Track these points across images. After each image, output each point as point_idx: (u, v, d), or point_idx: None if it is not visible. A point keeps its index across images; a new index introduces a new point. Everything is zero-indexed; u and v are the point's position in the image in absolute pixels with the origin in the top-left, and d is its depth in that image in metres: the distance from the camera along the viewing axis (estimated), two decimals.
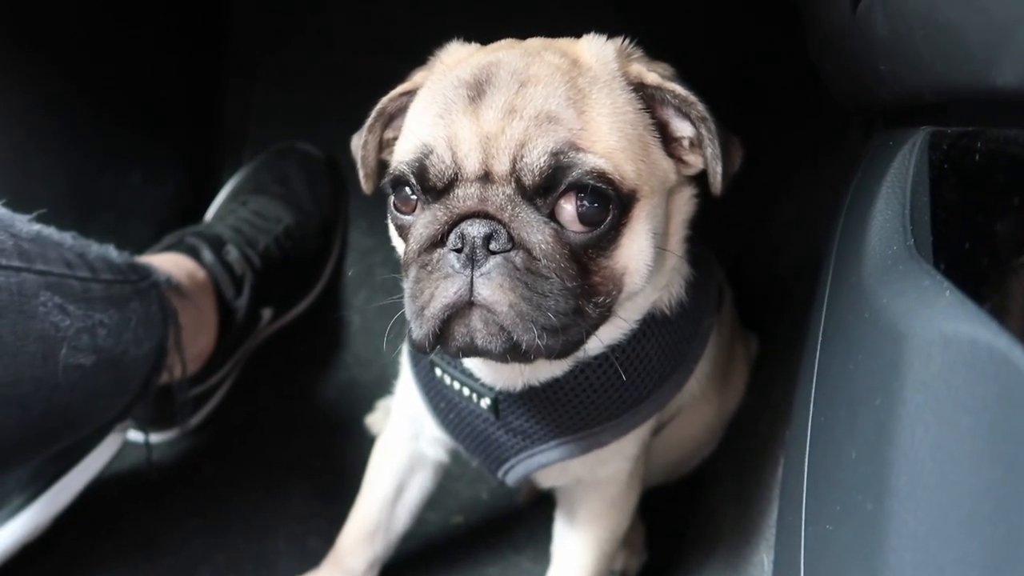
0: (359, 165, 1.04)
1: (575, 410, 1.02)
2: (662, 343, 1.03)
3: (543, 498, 1.53)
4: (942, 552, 0.52)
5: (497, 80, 0.84)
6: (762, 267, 1.64)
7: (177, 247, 1.53)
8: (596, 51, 0.91)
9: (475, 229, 0.81)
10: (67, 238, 1.11)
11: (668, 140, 0.93)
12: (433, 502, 1.35)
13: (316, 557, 1.32)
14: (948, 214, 0.71)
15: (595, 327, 0.87)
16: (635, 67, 0.90)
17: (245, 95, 1.96)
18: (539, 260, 0.81)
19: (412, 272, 0.85)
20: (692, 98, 0.89)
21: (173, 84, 1.82)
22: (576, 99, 0.84)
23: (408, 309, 0.85)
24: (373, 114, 1.00)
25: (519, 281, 0.80)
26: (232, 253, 1.56)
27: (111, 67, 1.65)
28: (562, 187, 0.81)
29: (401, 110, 0.99)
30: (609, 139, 0.84)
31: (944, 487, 0.53)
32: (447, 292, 0.81)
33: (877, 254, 0.72)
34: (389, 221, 0.95)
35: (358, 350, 1.82)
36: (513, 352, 0.82)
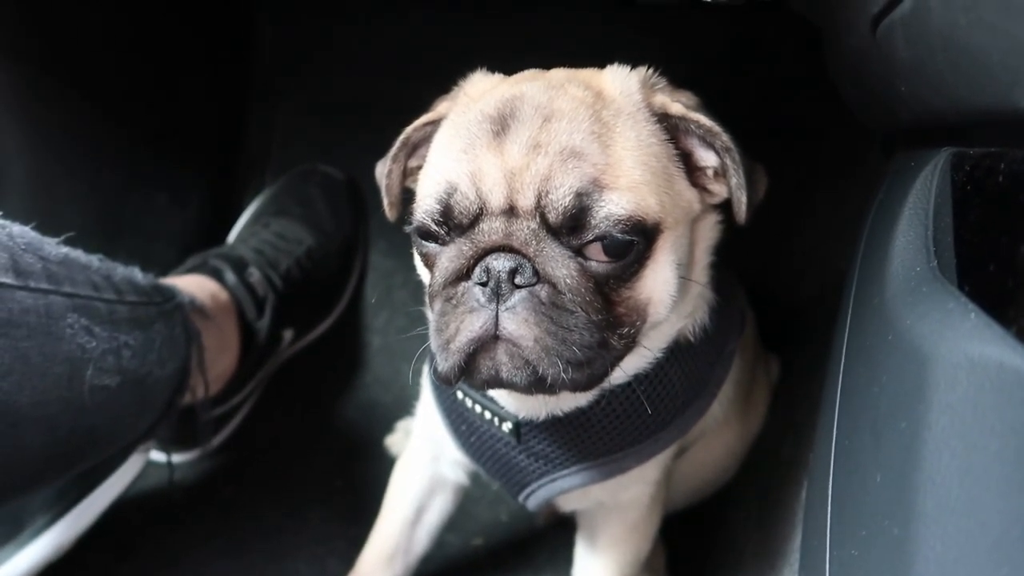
0: (383, 194, 1.04)
1: (598, 436, 1.01)
2: (685, 369, 1.02)
3: (563, 521, 1.52)
4: None
5: (521, 114, 0.84)
6: (784, 289, 1.63)
7: (200, 269, 1.55)
8: (620, 83, 0.90)
9: (500, 263, 0.81)
10: (93, 260, 1.13)
11: (692, 169, 0.92)
12: (453, 524, 1.34)
13: None
14: (972, 235, 0.70)
15: (620, 358, 0.87)
16: (659, 98, 0.90)
17: (268, 118, 1.98)
18: (564, 294, 0.81)
19: (437, 305, 0.85)
20: (716, 128, 0.88)
21: (197, 108, 1.84)
22: (600, 133, 0.83)
23: (434, 341, 0.86)
24: (397, 144, 1.00)
25: (544, 316, 0.80)
26: (254, 275, 1.57)
27: (136, 91, 1.68)
28: (588, 236, 0.81)
29: (425, 139, 0.99)
30: (633, 173, 0.83)
31: (971, 512, 0.52)
32: (473, 326, 0.81)
33: (900, 276, 0.72)
34: (414, 250, 0.95)
35: (378, 371, 1.82)
36: (538, 385, 0.82)
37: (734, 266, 1.15)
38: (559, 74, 0.93)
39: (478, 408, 1.05)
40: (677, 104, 0.90)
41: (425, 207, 0.86)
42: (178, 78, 1.78)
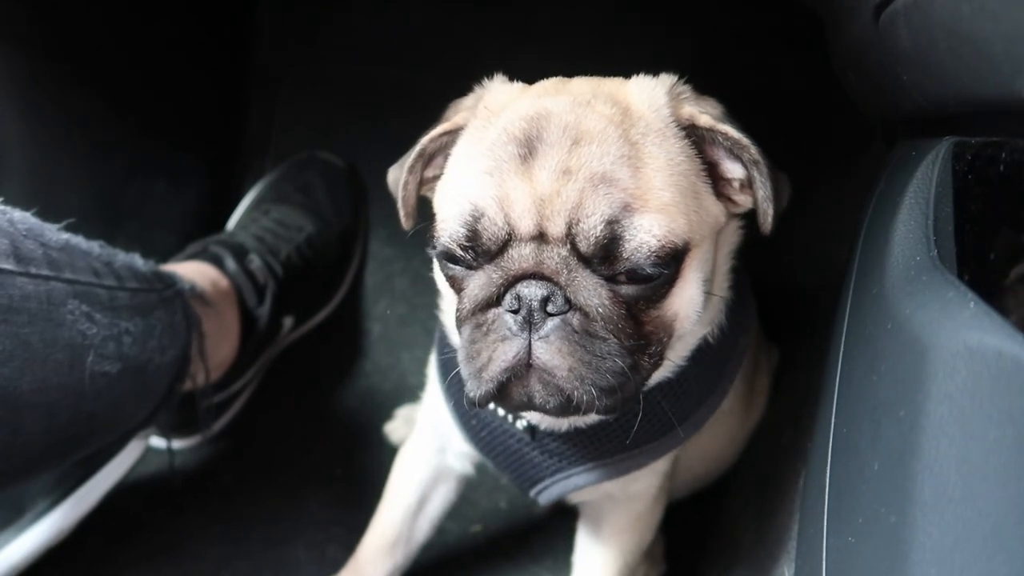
0: (399, 204, 1.00)
1: (615, 436, 1.01)
2: (701, 369, 1.02)
3: (562, 508, 1.53)
4: (967, 566, 0.52)
5: (549, 137, 0.81)
6: (784, 277, 1.64)
7: (201, 256, 1.55)
8: (647, 97, 0.88)
9: (532, 291, 0.80)
10: (94, 247, 1.13)
11: (717, 180, 0.91)
12: (452, 511, 1.35)
13: (335, 565, 1.32)
14: (972, 225, 0.70)
15: (648, 377, 0.87)
16: (686, 109, 0.88)
17: (268, 105, 1.98)
18: (596, 322, 0.80)
19: (466, 331, 0.84)
20: (745, 141, 0.87)
21: (197, 94, 1.84)
22: (630, 155, 0.81)
23: (465, 368, 0.84)
24: (413, 155, 0.97)
25: (577, 344, 0.79)
26: (255, 262, 1.57)
27: (137, 78, 1.67)
28: (620, 267, 0.80)
29: (441, 149, 0.96)
30: (663, 195, 0.82)
31: (969, 500, 0.52)
32: (506, 355, 0.80)
33: (900, 265, 0.72)
34: (436, 269, 0.93)
35: (378, 358, 1.83)
36: (570, 410, 0.82)
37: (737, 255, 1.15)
38: (583, 87, 0.90)
39: (491, 405, 1.05)
40: (705, 116, 0.88)
41: (450, 231, 0.84)
42: (178, 64, 1.77)
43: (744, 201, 0.91)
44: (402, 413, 1.70)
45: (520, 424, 1.03)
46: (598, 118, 0.83)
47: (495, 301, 0.82)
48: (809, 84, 1.59)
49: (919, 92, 0.82)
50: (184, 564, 1.41)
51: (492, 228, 0.81)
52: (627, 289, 0.81)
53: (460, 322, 0.86)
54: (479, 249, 0.83)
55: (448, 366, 1.11)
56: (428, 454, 1.27)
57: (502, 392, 0.82)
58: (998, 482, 0.50)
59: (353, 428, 1.73)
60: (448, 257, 0.86)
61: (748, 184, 0.90)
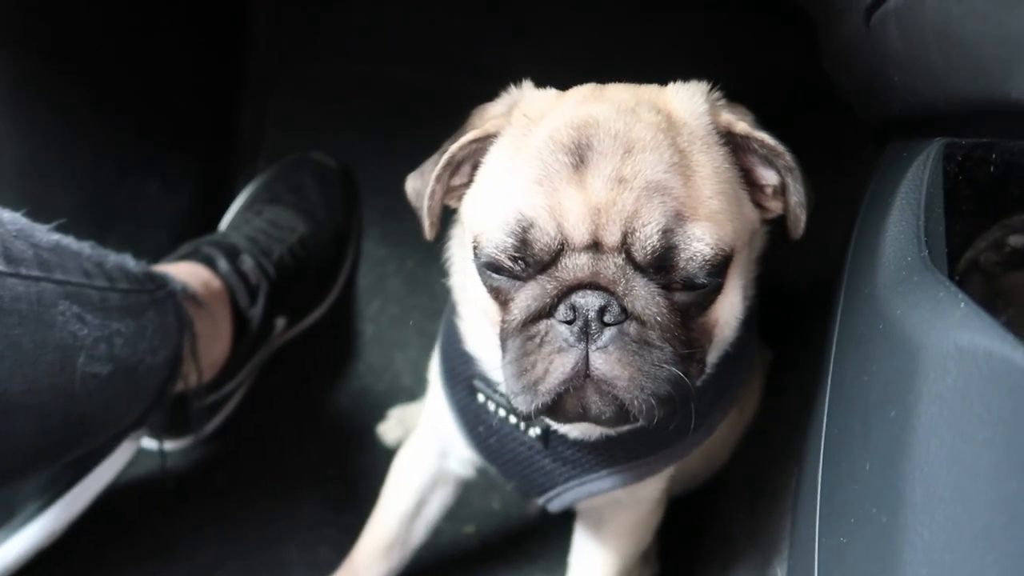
0: (423, 214, 0.96)
1: (633, 443, 1.00)
2: (719, 372, 1.02)
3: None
4: (958, 565, 0.52)
5: (600, 145, 0.80)
6: (776, 278, 1.64)
7: (193, 256, 1.54)
8: (688, 104, 0.88)
9: (589, 301, 0.78)
10: (85, 248, 1.12)
11: (751, 186, 0.91)
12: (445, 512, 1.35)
13: (328, 566, 1.32)
14: (963, 225, 0.71)
15: (695, 384, 0.86)
16: (724, 116, 0.88)
17: (261, 105, 1.97)
18: (652, 330, 0.79)
19: (515, 343, 0.82)
20: (780, 148, 0.87)
21: (190, 94, 1.83)
22: (680, 164, 0.81)
23: (514, 382, 0.83)
24: (441, 163, 0.92)
25: (635, 354, 0.78)
26: (247, 262, 1.57)
27: (129, 77, 1.67)
28: (675, 276, 0.80)
29: (470, 156, 0.94)
30: (712, 203, 0.81)
31: (959, 500, 0.52)
32: (564, 368, 0.79)
33: (891, 265, 0.72)
34: (462, 282, 0.91)
35: (371, 359, 1.83)
36: (624, 420, 0.81)
37: None
38: (623, 95, 0.89)
39: (502, 412, 1.03)
40: (742, 123, 0.88)
41: (496, 241, 0.82)
42: (171, 65, 1.76)
43: (775, 207, 0.91)
44: (395, 414, 1.70)
45: (533, 432, 1.01)
46: (646, 126, 0.82)
47: (547, 312, 0.80)
48: (801, 85, 1.59)
49: (910, 93, 0.82)
50: (177, 565, 1.40)
51: (544, 238, 0.80)
52: (681, 296, 0.81)
53: (507, 335, 0.84)
54: (529, 259, 0.81)
55: (452, 371, 1.10)
56: (428, 458, 1.26)
57: (556, 404, 0.81)
58: (988, 482, 0.51)
59: (346, 429, 1.72)
60: (493, 268, 0.84)
61: (780, 191, 0.90)
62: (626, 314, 0.78)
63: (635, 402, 0.79)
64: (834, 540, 0.72)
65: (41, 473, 1.27)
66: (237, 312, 1.52)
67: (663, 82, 0.93)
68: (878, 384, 0.66)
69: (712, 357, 0.97)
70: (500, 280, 0.84)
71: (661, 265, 0.79)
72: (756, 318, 1.13)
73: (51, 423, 1.03)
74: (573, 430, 1.00)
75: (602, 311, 0.78)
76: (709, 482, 1.46)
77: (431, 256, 1.90)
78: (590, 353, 0.78)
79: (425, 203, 0.95)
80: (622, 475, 1.02)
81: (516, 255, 0.81)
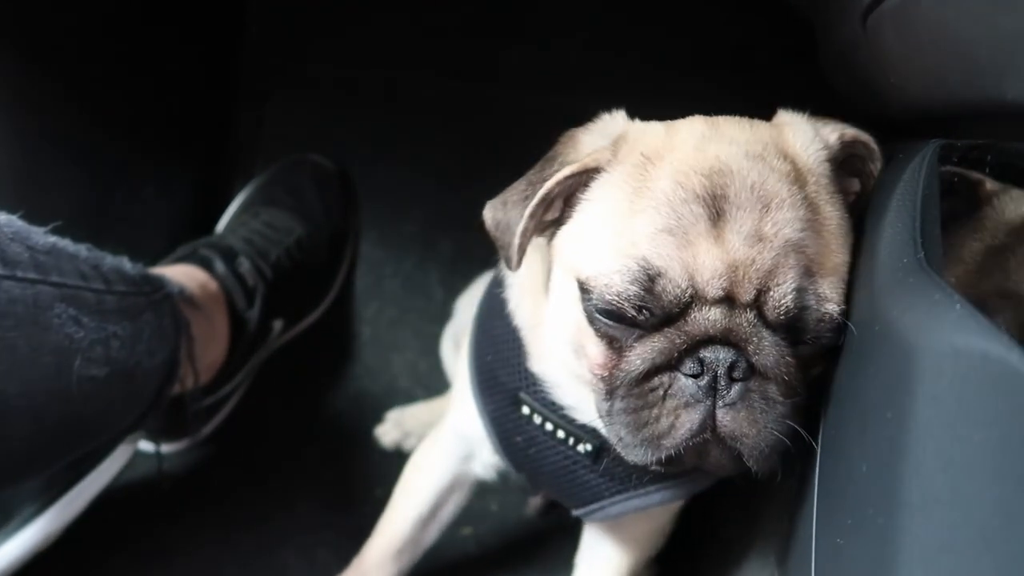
0: (512, 251, 0.88)
1: None
2: None
3: (552, 509, 1.53)
4: (954, 567, 0.52)
5: (738, 199, 0.78)
6: None
7: (190, 259, 1.54)
8: (811, 149, 0.85)
9: (720, 356, 0.77)
10: (82, 250, 1.12)
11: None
12: None
13: (326, 568, 1.32)
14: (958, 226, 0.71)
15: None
16: (832, 139, 0.86)
17: (258, 107, 1.97)
18: (776, 386, 0.78)
19: (629, 393, 0.81)
20: (879, 153, 0.86)
21: (187, 96, 1.83)
22: (812, 219, 0.79)
23: (629, 434, 0.81)
24: (537, 198, 0.86)
25: (761, 412, 0.78)
26: (244, 265, 1.57)
27: (126, 80, 1.66)
28: (804, 339, 0.79)
29: (565, 191, 0.89)
30: (837, 257, 0.80)
31: (955, 502, 0.52)
32: (691, 423, 0.78)
33: (887, 267, 0.72)
34: (574, 318, 0.87)
35: (368, 361, 1.82)
36: (740, 468, 0.81)
37: None
38: (744, 134, 0.84)
39: (549, 426, 1.01)
40: (849, 130, 0.86)
41: (618, 288, 0.79)
42: (168, 67, 1.76)
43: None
44: (392, 416, 1.70)
45: (583, 448, 1.00)
46: (778, 177, 0.80)
47: (671, 365, 0.79)
48: (798, 86, 1.59)
49: (906, 94, 0.82)
50: (173, 569, 1.40)
51: (675, 291, 0.77)
52: (805, 350, 0.80)
53: (618, 383, 0.82)
54: (656, 310, 0.78)
55: (491, 380, 1.08)
56: (449, 462, 1.24)
57: (675, 457, 0.80)
58: (984, 484, 0.51)
59: (343, 431, 1.72)
60: (610, 315, 0.81)
61: (857, 196, 0.88)
62: (752, 370, 0.78)
63: (754, 456, 0.79)
64: (830, 541, 0.72)
65: (38, 476, 1.27)
66: (234, 314, 1.52)
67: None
68: (874, 386, 0.66)
69: None
70: (615, 328, 0.82)
71: (792, 325, 0.78)
72: None
73: (47, 426, 1.03)
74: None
75: (731, 367, 0.77)
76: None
77: (428, 258, 1.92)
78: (717, 409, 0.78)
79: (516, 240, 0.88)
80: (671, 491, 1.01)
81: (640, 304, 0.78)
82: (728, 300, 0.77)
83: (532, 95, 1.71)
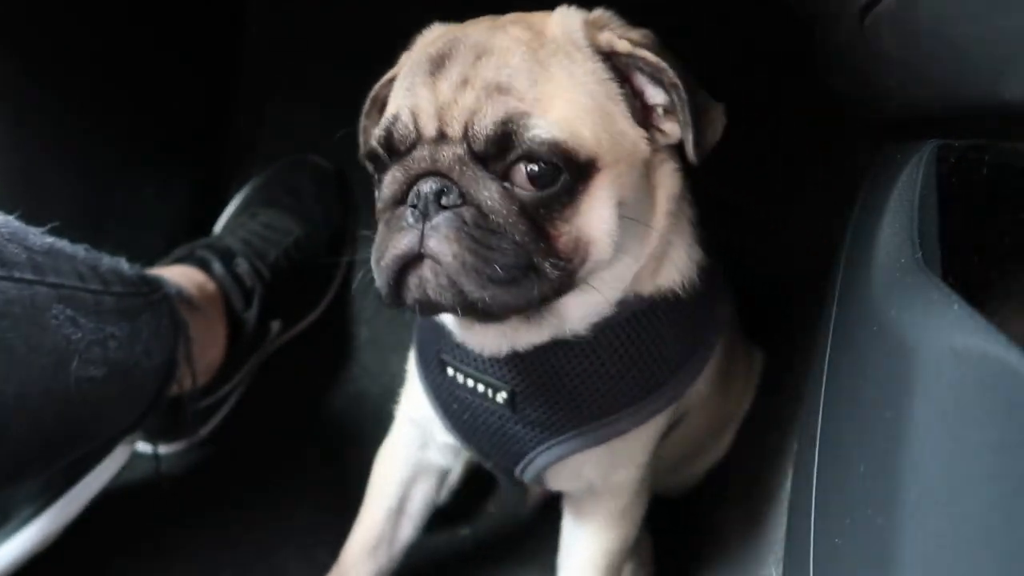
0: (361, 147, 1.09)
1: (591, 397, 1.02)
2: (676, 326, 1.03)
3: (549, 510, 1.53)
4: (952, 566, 0.52)
5: (456, 54, 0.89)
6: (770, 280, 1.64)
7: (187, 259, 1.54)
8: (562, 22, 0.93)
9: (427, 186, 0.86)
10: (79, 251, 1.12)
11: (647, 109, 0.94)
12: (439, 515, 1.35)
13: (325, 569, 1.32)
14: (956, 227, 0.71)
15: (556, 289, 0.89)
16: (605, 35, 0.92)
17: (257, 108, 1.97)
18: (488, 216, 0.85)
19: (379, 230, 0.90)
20: (663, 64, 0.89)
21: (185, 97, 1.83)
22: (531, 70, 0.87)
23: (376, 266, 0.90)
24: (368, 102, 1.11)
25: (466, 234, 0.84)
26: (242, 265, 1.57)
27: (124, 81, 1.66)
28: (512, 157, 0.85)
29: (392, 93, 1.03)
30: (564, 109, 0.86)
31: (954, 501, 0.53)
32: (400, 244, 0.86)
33: (885, 267, 0.72)
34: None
35: (366, 362, 1.82)
36: (467, 306, 0.85)
37: (722, 256, 1.16)
38: (508, 16, 0.97)
39: (470, 382, 1.06)
40: (623, 41, 0.91)
41: (375, 135, 0.93)
42: (166, 67, 1.76)
43: (671, 129, 0.93)
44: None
45: (500, 397, 1.04)
46: (506, 37, 0.90)
47: (401, 199, 0.88)
48: (795, 86, 1.59)
49: (903, 95, 0.82)
50: (173, 569, 1.40)
51: (403, 131, 0.89)
52: (523, 194, 0.86)
53: (378, 223, 0.92)
54: (392, 149, 0.91)
55: (422, 350, 1.15)
56: (407, 451, 1.27)
57: (399, 282, 0.87)
58: (982, 483, 0.51)
59: (342, 432, 1.72)
60: (371, 157, 0.94)
61: (672, 110, 0.92)
62: (464, 200, 0.85)
63: (465, 281, 0.84)
64: (829, 541, 0.72)
65: (36, 477, 1.27)
66: (232, 315, 1.52)
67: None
68: (873, 385, 0.66)
69: (609, 285, 0.97)
70: (374, 170, 0.95)
71: (499, 151, 0.85)
72: (718, 277, 1.12)
73: (45, 427, 1.03)
74: (484, 346, 1.03)
75: (439, 195, 0.85)
76: (703, 483, 1.47)
77: None
78: (424, 232, 0.85)
79: (361, 138, 1.12)
80: (587, 436, 1.04)
81: (384, 144, 0.91)
82: (444, 138, 0.87)
83: None
